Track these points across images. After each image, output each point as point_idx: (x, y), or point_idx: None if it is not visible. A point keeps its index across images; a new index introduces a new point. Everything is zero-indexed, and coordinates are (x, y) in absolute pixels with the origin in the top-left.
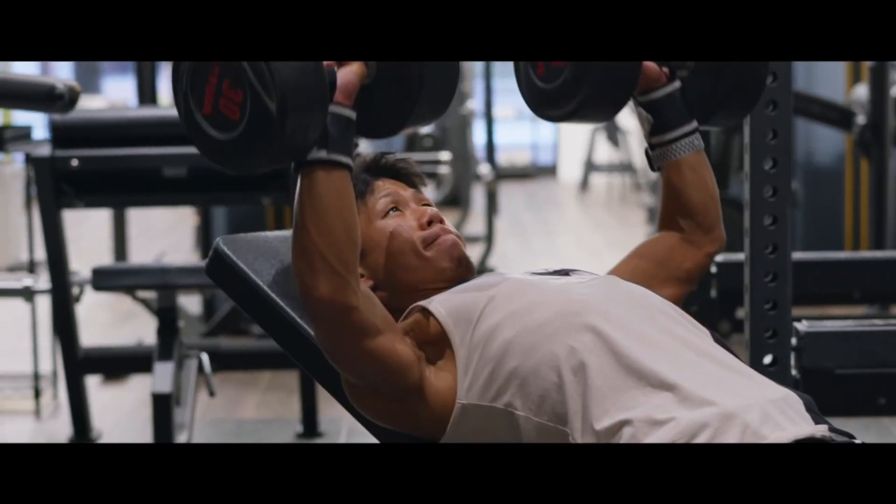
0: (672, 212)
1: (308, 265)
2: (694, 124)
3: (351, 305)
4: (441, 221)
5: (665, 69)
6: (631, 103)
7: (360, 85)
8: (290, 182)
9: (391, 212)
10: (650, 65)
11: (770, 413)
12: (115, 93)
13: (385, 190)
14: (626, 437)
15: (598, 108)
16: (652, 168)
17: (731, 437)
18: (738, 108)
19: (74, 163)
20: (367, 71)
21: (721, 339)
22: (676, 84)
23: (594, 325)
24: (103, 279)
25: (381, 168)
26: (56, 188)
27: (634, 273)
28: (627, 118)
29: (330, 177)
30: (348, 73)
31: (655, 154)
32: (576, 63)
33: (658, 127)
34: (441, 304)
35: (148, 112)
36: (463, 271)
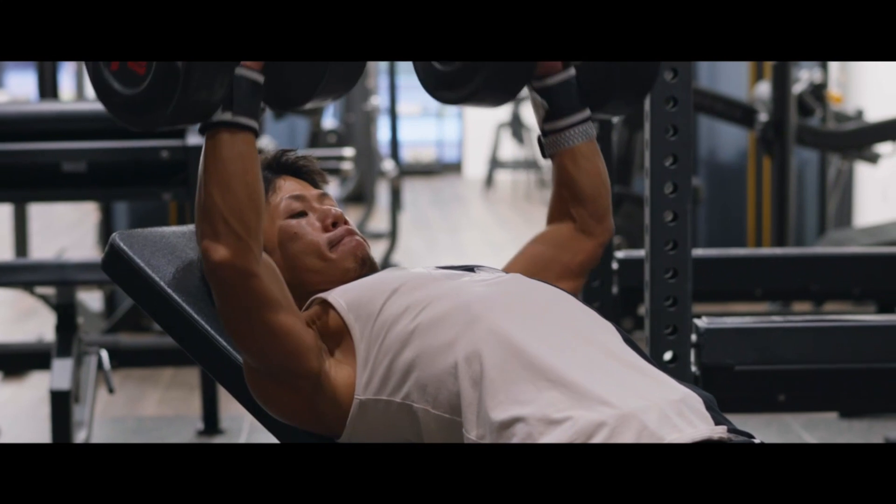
0: (564, 201)
1: (210, 228)
2: (587, 112)
3: (252, 271)
4: (345, 222)
5: None
6: (526, 89)
7: None
8: (190, 178)
9: (295, 214)
10: None
11: (668, 414)
12: (18, 88)
13: (288, 190)
14: (520, 434)
15: (495, 93)
16: (544, 155)
17: (628, 437)
18: (631, 97)
19: None
20: None
21: (627, 335)
22: (571, 72)
23: (493, 320)
24: (0, 275)
25: (282, 166)
26: None
27: (532, 263)
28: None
29: (234, 139)
30: None
31: (548, 141)
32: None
33: (552, 114)
34: (341, 297)
35: (46, 106)
36: (367, 272)
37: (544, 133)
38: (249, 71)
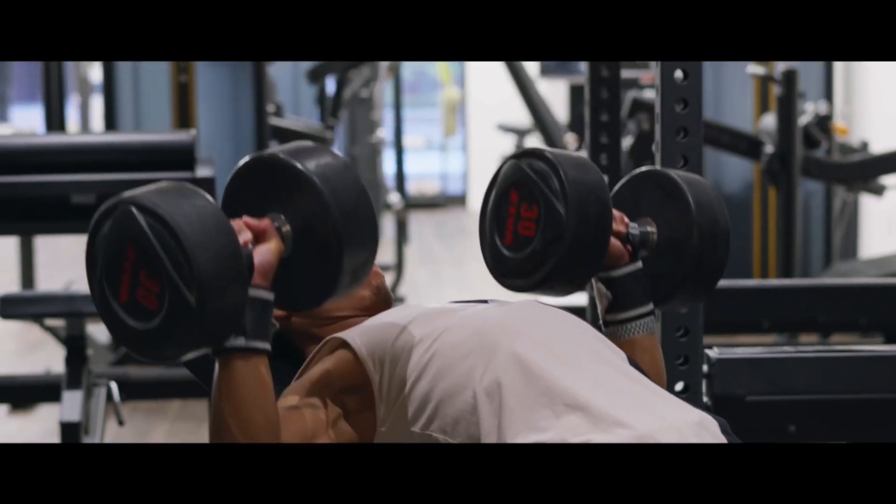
0: None
1: None
2: (650, 306)
3: None
4: None
5: (628, 247)
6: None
7: (278, 262)
8: None
9: None
10: (614, 242)
11: (685, 436)
12: (23, 121)
13: None
14: None
15: (564, 283)
16: None
17: None
18: (696, 292)
19: None
20: (283, 246)
21: (636, 362)
22: (638, 264)
23: (509, 345)
24: (10, 307)
25: None
26: None
27: None
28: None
29: (248, 365)
30: (265, 253)
31: (608, 331)
32: (545, 235)
33: (615, 305)
34: (355, 332)
35: (55, 139)
36: (381, 300)
37: (605, 323)
38: (260, 290)
